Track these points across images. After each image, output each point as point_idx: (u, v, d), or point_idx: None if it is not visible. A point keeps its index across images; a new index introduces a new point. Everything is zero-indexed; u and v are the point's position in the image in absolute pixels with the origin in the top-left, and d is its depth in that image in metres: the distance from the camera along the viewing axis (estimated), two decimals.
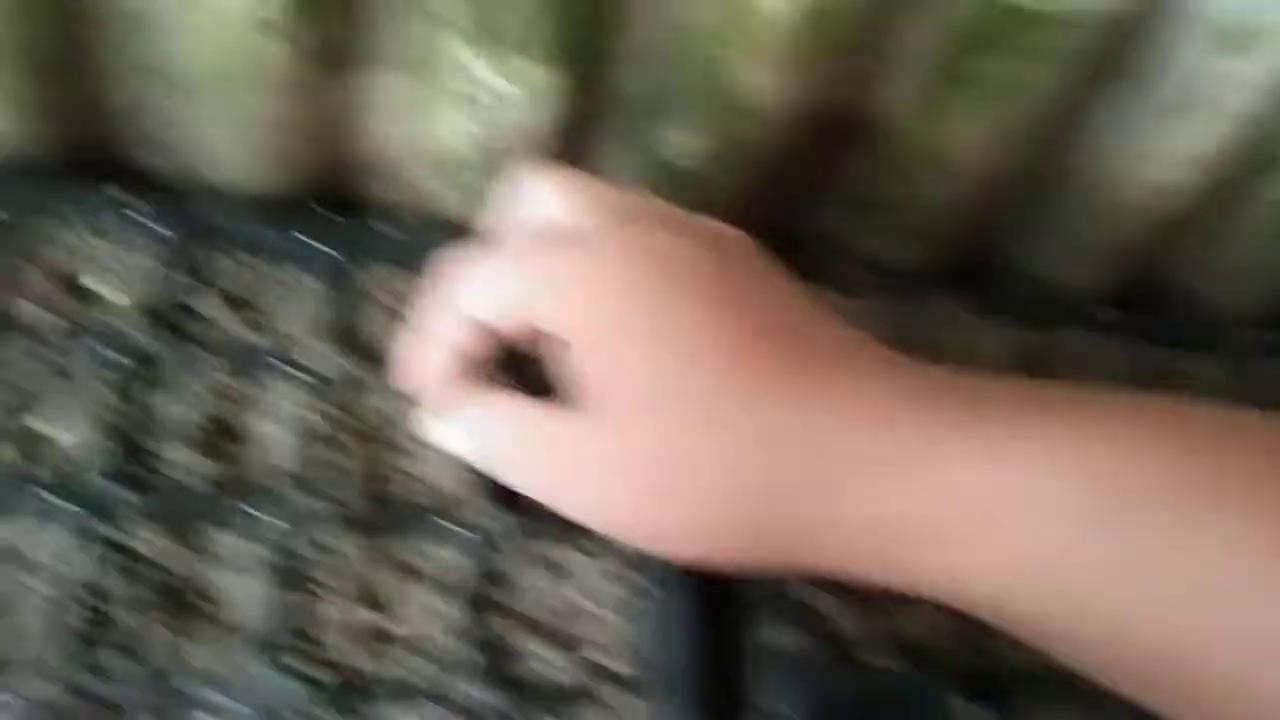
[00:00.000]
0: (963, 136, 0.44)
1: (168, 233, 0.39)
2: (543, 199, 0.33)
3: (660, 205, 0.34)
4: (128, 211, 0.39)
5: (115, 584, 0.32)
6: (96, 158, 0.42)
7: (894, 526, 0.29)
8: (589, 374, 0.31)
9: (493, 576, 0.35)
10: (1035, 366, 0.47)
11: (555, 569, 0.36)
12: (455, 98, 0.39)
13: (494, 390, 0.33)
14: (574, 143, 0.42)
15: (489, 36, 0.37)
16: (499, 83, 0.38)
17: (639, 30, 0.39)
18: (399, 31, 0.38)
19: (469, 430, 0.34)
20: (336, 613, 0.33)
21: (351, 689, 0.32)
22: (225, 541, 0.34)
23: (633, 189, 0.36)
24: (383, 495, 0.36)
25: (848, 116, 0.44)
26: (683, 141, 0.42)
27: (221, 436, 0.36)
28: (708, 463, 0.30)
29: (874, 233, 0.48)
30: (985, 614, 0.30)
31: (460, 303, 0.33)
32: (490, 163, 0.41)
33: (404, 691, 0.32)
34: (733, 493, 0.30)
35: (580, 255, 0.31)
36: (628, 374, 0.30)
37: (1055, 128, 0.45)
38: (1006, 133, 0.44)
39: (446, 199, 0.43)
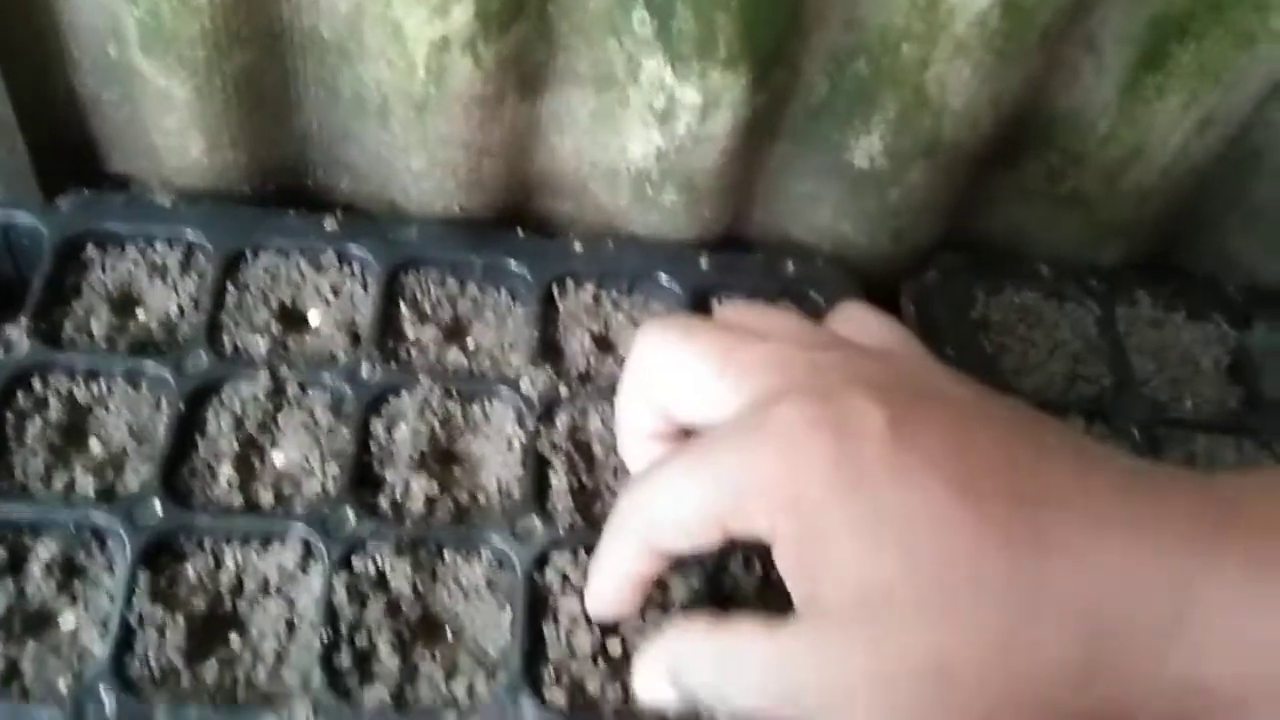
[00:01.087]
0: (1160, 125, 0.42)
1: (379, 263, 0.40)
2: (676, 367, 0.31)
3: (791, 337, 0.31)
4: (343, 244, 0.40)
5: (363, 611, 0.33)
6: (291, 186, 0.44)
7: (1197, 696, 0.25)
8: (802, 577, 0.28)
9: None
10: (1248, 367, 0.44)
11: None
12: (644, 110, 0.39)
13: (691, 618, 0.30)
14: (757, 148, 0.42)
15: (679, 47, 0.37)
16: (688, 93, 0.38)
17: (827, 32, 0.39)
18: (589, 48, 0.39)
19: (670, 670, 0.30)
20: (573, 638, 0.33)
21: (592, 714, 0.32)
22: (460, 566, 0.34)
23: (747, 311, 0.33)
24: (591, 512, 0.36)
25: (1042, 110, 0.43)
26: (869, 143, 0.41)
27: (442, 459, 0.36)
28: (997, 662, 0.26)
29: (1070, 231, 0.46)
30: None
31: (647, 537, 0.30)
32: (674, 174, 0.41)
33: None
34: (1030, 686, 0.26)
35: (758, 450, 0.28)
36: (857, 578, 0.26)
37: (1251, 112, 0.43)
38: (1203, 120, 0.42)
39: (630, 214, 0.43)
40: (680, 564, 0.34)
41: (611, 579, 0.31)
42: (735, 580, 0.35)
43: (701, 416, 0.30)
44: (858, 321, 0.32)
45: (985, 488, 0.26)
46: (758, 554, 0.36)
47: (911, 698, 0.26)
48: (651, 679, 0.30)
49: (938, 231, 0.45)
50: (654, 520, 0.30)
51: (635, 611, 0.32)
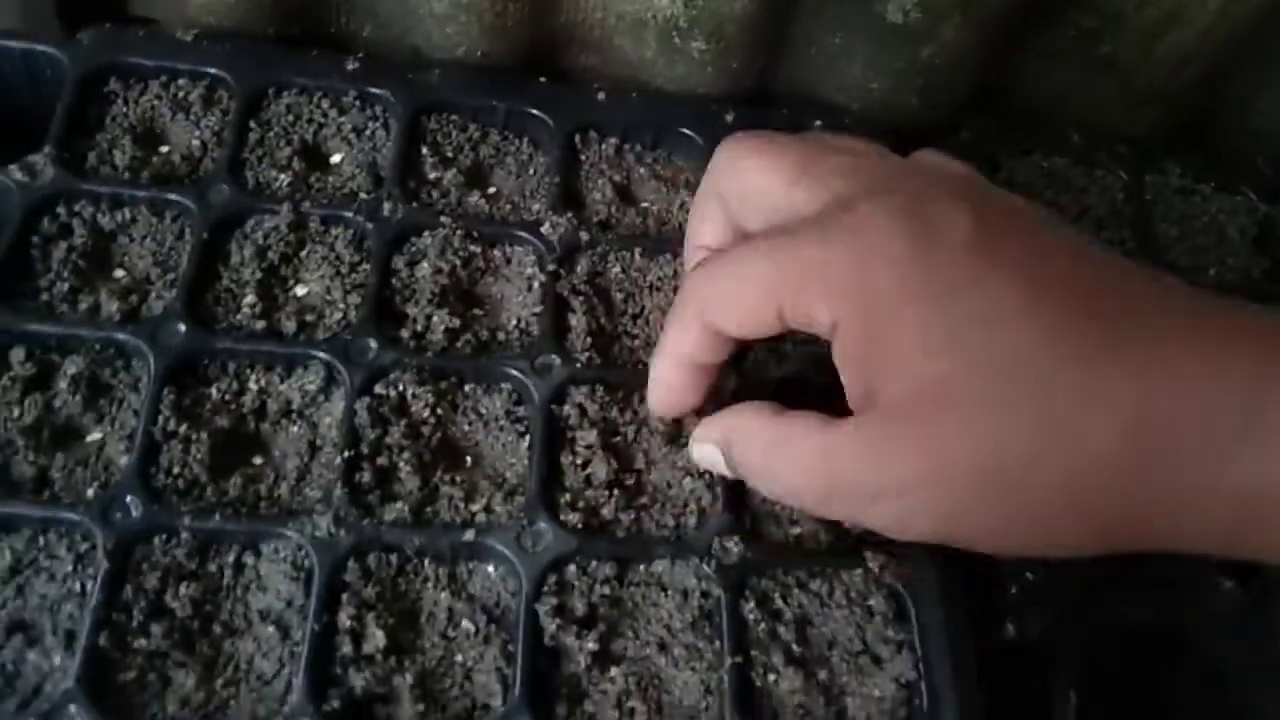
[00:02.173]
0: None
1: (401, 105, 0.40)
2: (753, 177, 0.30)
3: (873, 153, 0.31)
4: (365, 86, 0.40)
5: (384, 434, 0.33)
6: (315, 31, 0.43)
7: (1255, 498, 0.26)
8: (860, 373, 0.28)
9: None
10: (1275, 238, 0.44)
11: None
12: None
13: (757, 403, 0.31)
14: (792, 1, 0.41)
15: None
16: None
17: None
18: None
19: (724, 441, 0.31)
20: (589, 467, 0.34)
21: (606, 537, 0.32)
22: (479, 397, 0.35)
23: (830, 135, 0.33)
24: (609, 353, 0.36)
25: None
26: None
27: (463, 298, 0.37)
28: (1042, 461, 0.26)
29: (1103, 98, 0.45)
30: None
31: (704, 314, 0.30)
32: (703, 21, 0.40)
33: (656, 544, 0.32)
34: (1073, 488, 0.26)
35: (822, 234, 0.28)
36: (915, 373, 0.27)
37: None
38: None
39: (656, 67, 0.43)
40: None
41: (670, 361, 0.32)
42: None
43: (777, 224, 0.30)
44: (935, 160, 0.32)
45: (1061, 298, 0.27)
46: None
47: (960, 496, 0.27)
48: (707, 445, 0.32)
49: (968, 93, 0.44)
50: (712, 298, 0.30)
51: (697, 403, 0.33)
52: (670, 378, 0.32)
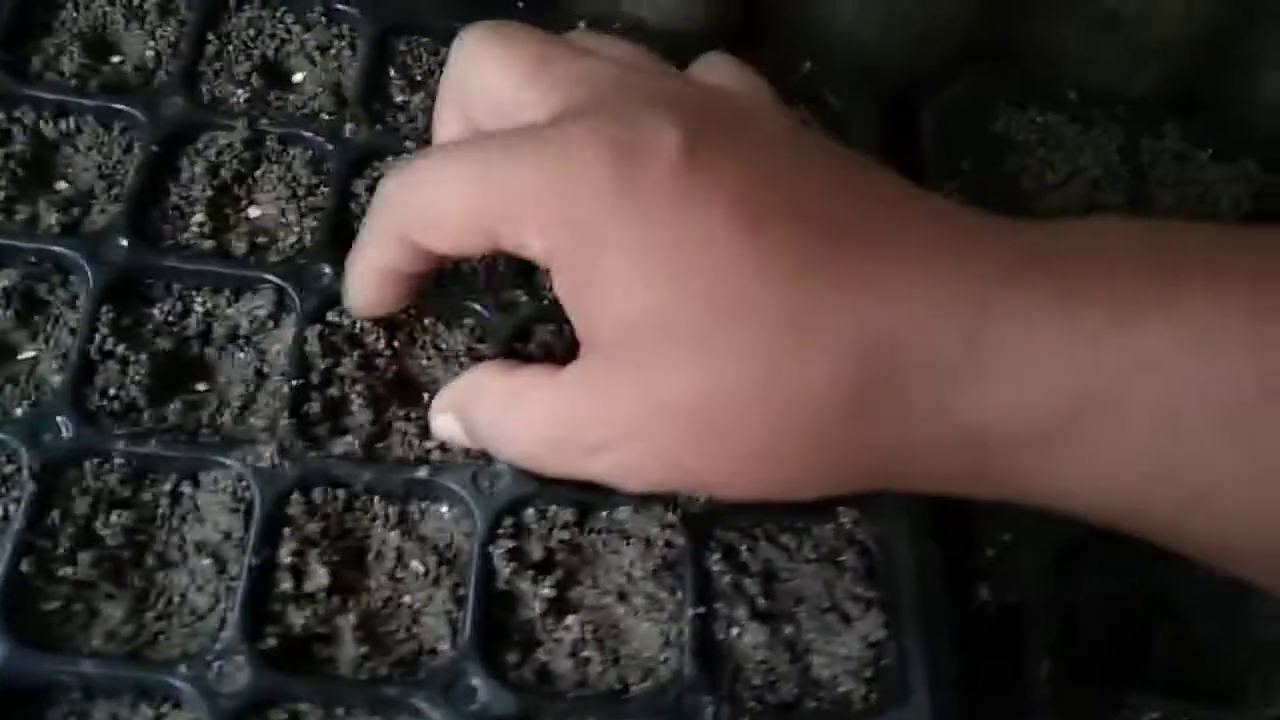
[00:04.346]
0: None
1: (370, 25, 0.37)
2: (486, 72, 0.28)
3: (620, 60, 0.28)
4: (333, 2, 0.38)
5: (336, 365, 0.31)
6: None
7: (986, 440, 0.24)
8: (577, 307, 0.26)
9: None
10: (1275, 215, 0.43)
11: None
12: None
13: (490, 362, 0.29)
14: None
15: None
16: None
17: None
18: None
19: (458, 405, 0.29)
20: None
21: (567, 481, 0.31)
22: (439, 332, 0.33)
23: (589, 37, 0.30)
24: None
25: None
26: None
27: None
28: (760, 395, 0.24)
29: (1103, 55, 0.43)
30: (1096, 521, 0.26)
31: (406, 231, 0.28)
32: None
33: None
34: (794, 422, 0.24)
35: (533, 154, 0.25)
36: (627, 306, 0.25)
37: None
38: None
39: None
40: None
41: (366, 273, 0.29)
42: None
43: (505, 128, 0.27)
44: (715, 66, 0.30)
45: (771, 217, 0.24)
46: None
47: (672, 439, 0.25)
48: (443, 415, 0.29)
49: (963, 43, 0.42)
50: (411, 208, 0.27)
51: (403, 305, 0.30)
52: (366, 290, 0.30)
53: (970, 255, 0.25)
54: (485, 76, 0.28)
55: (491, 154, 0.26)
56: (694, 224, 0.24)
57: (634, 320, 0.25)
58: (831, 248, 0.24)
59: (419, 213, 0.27)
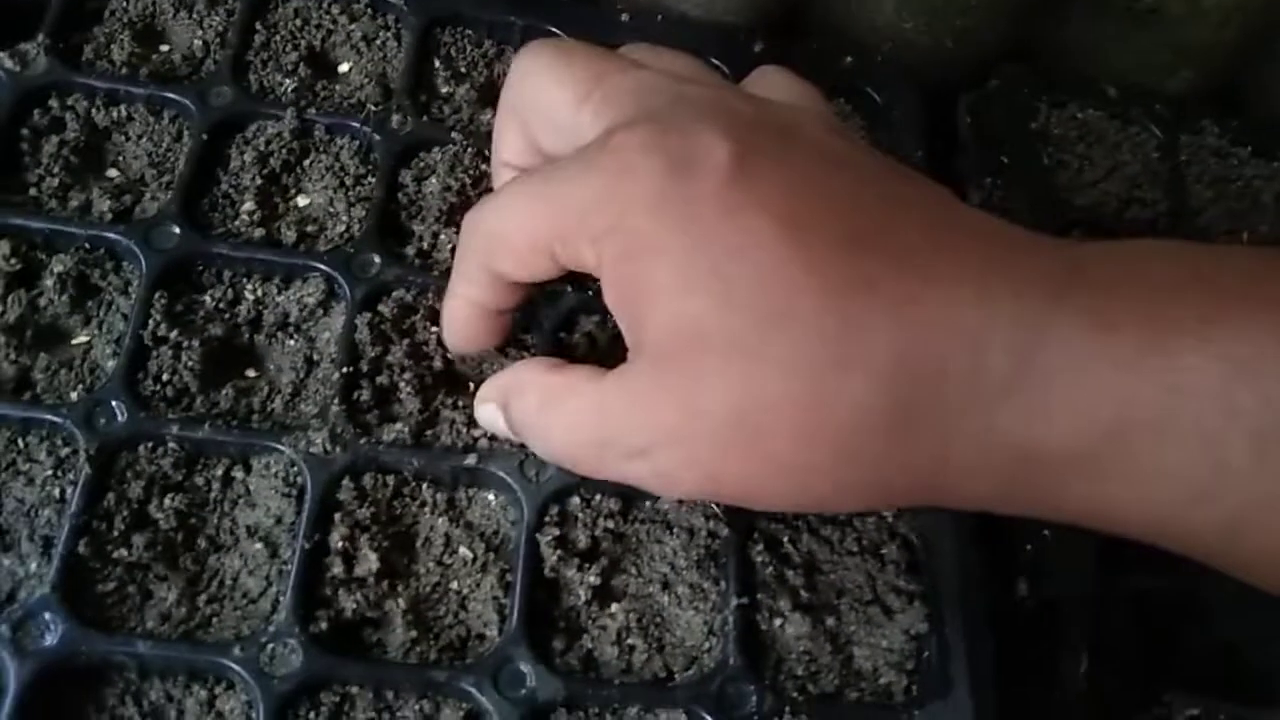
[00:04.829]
0: None
1: (415, 16, 0.38)
2: (543, 90, 0.28)
3: (673, 72, 0.28)
4: None
5: (385, 353, 0.31)
6: None
7: (1027, 460, 0.24)
8: (625, 314, 0.26)
9: None
10: None
11: None
12: None
13: (537, 357, 0.29)
14: None
15: None
16: None
17: None
18: None
19: (502, 396, 0.29)
20: None
21: None
22: None
23: (644, 50, 0.30)
24: None
25: None
26: None
27: None
28: (801, 408, 0.24)
29: (1143, 53, 0.43)
30: (1138, 539, 0.26)
31: (486, 262, 0.28)
32: None
33: None
34: (833, 437, 0.24)
35: (586, 170, 0.26)
36: (672, 313, 0.25)
37: None
38: None
39: None
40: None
41: (457, 306, 0.30)
42: None
43: (564, 146, 0.28)
44: (770, 78, 0.30)
45: (820, 231, 0.24)
46: None
47: (710, 448, 0.25)
48: (487, 405, 0.30)
49: (1004, 39, 0.42)
50: (486, 237, 0.28)
51: (491, 345, 0.31)
52: (457, 323, 0.30)
53: (1017, 275, 0.25)
54: (543, 94, 0.28)
55: (551, 177, 0.27)
56: (742, 235, 0.24)
57: (679, 328, 0.25)
58: (878, 264, 0.24)
59: (492, 239, 0.28)
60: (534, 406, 0.28)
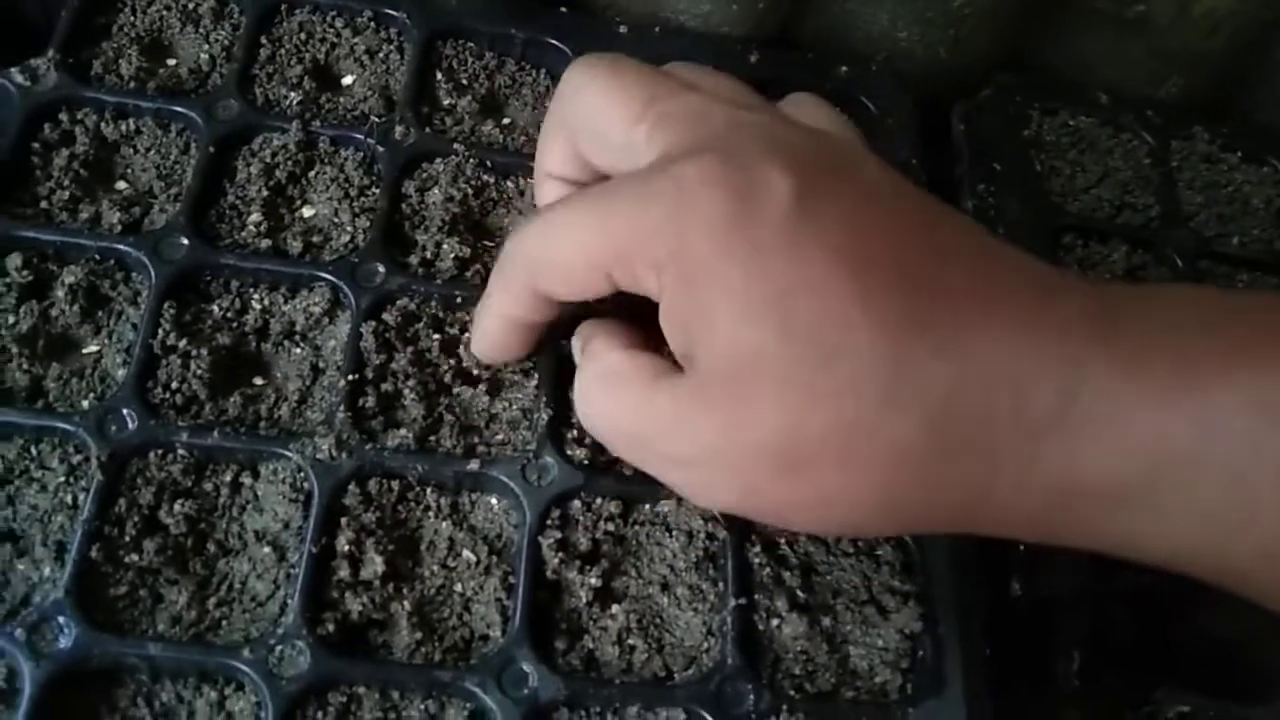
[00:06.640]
0: None
1: (418, 29, 0.38)
2: (595, 107, 0.28)
3: (725, 96, 0.29)
4: (381, 7, 0.39)
5: (390, 360, 0.32)
6: None
7: (1064, 494, 0.25)
8: (680, 338, 0.27)
9: None
10: None
11: None
12: None
13: (612, 323, 0.30)
14: None
15: None
16: None
17: None
18: None
19: (581, 346, 0.30)
20: None
21: (612, 475, 0.32)
22: None
23: (689, 69, 0.31)
24: None
25: None
26: None
27: (474, 230, 0.36)
28: (846, 442, 0.25)
29: (1133, 61, 0.44)
30: (1169, 570, 0.27)
31: (531, 281, 0.29)
32: None
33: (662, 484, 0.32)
34: (876, 472, 0.25)
35: (648, 196, 0.26)
36: (730, 339, 0.25)
37: None
38: None
39: (680, 2, 0.41)
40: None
41: (494, 320, 0.31)
42: None
43: (615, 164, 0.28)
44: (805, 105, 0.31)
45: (875, 268, 0.25)
46: None
47: (753, 472, 0.26)
48: (578, 336, 0.31)
49: (997, 47, 0.43)
50: (536, 260, 0.28)
51: (523, 355, 0.32)
52: (492, 337, 0.31)
53: (1058, 315, 0.26)
54: (594, 112, 0.28)
55: (608, 199, 0.27)
56: (801, 268, 0.25)
57: (736, 354, 0.25)
58: (929, 303, 0.25)
59: (545, 263, 0.28)
60: (591, 374, 0.29)
